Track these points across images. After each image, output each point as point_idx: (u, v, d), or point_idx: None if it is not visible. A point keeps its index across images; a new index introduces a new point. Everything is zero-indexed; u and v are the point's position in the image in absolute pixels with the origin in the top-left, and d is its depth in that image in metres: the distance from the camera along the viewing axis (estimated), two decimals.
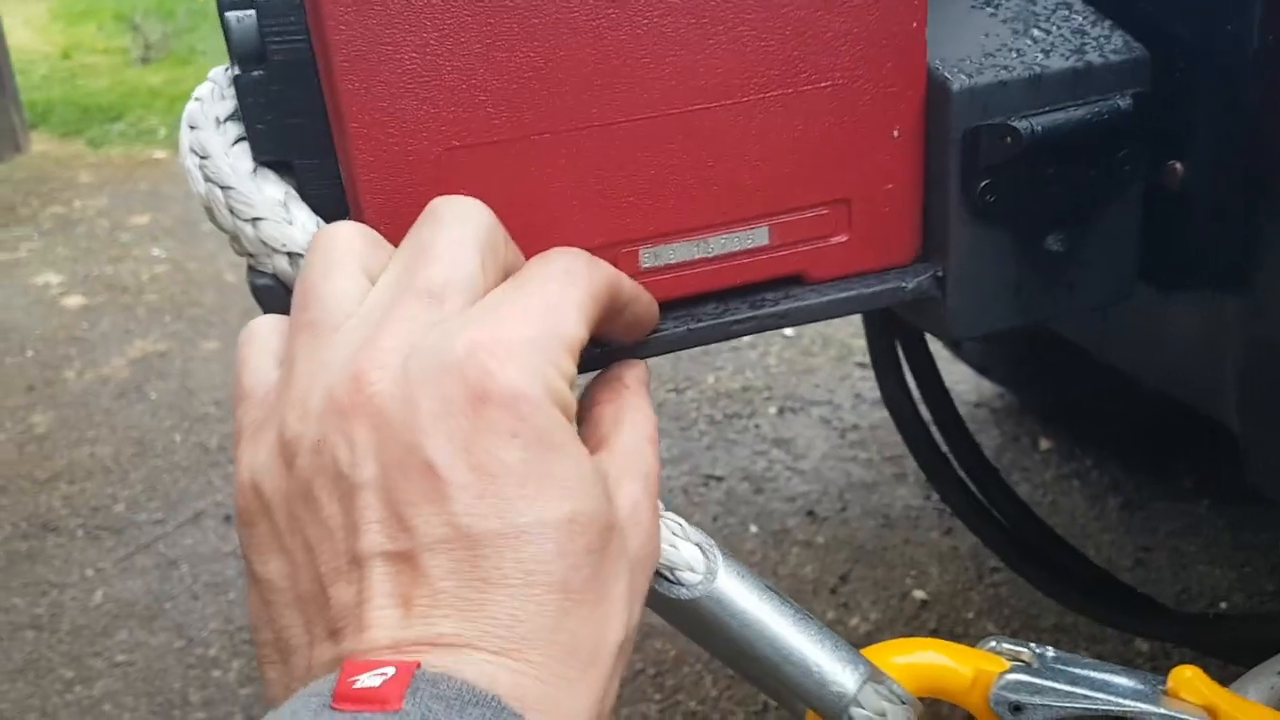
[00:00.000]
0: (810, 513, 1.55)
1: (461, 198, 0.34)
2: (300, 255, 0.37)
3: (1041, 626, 1.30)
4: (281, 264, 0.37)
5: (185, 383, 2.02)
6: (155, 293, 2.41)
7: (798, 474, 1.64)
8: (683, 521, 0.40)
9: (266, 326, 0.35)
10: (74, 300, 2.39)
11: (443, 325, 0.31)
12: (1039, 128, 0.42)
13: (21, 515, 1.68)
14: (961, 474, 0.86)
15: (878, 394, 1.83)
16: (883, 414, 1.78)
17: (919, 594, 1.37)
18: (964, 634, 1.30)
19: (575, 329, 0.32)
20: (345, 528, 0.29)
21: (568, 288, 0.33)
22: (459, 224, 0.33)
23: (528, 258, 0.36)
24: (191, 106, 0.39)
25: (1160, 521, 1.47)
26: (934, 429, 0.91)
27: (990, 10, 0.46)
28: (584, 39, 0.38)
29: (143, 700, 1.33)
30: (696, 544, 0.39)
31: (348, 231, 0.34)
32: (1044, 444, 1.63)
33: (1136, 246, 0.47)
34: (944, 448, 0.87)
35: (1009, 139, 0.42)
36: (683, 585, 0.38)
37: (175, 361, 2.10)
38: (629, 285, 0.38)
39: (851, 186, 0.43)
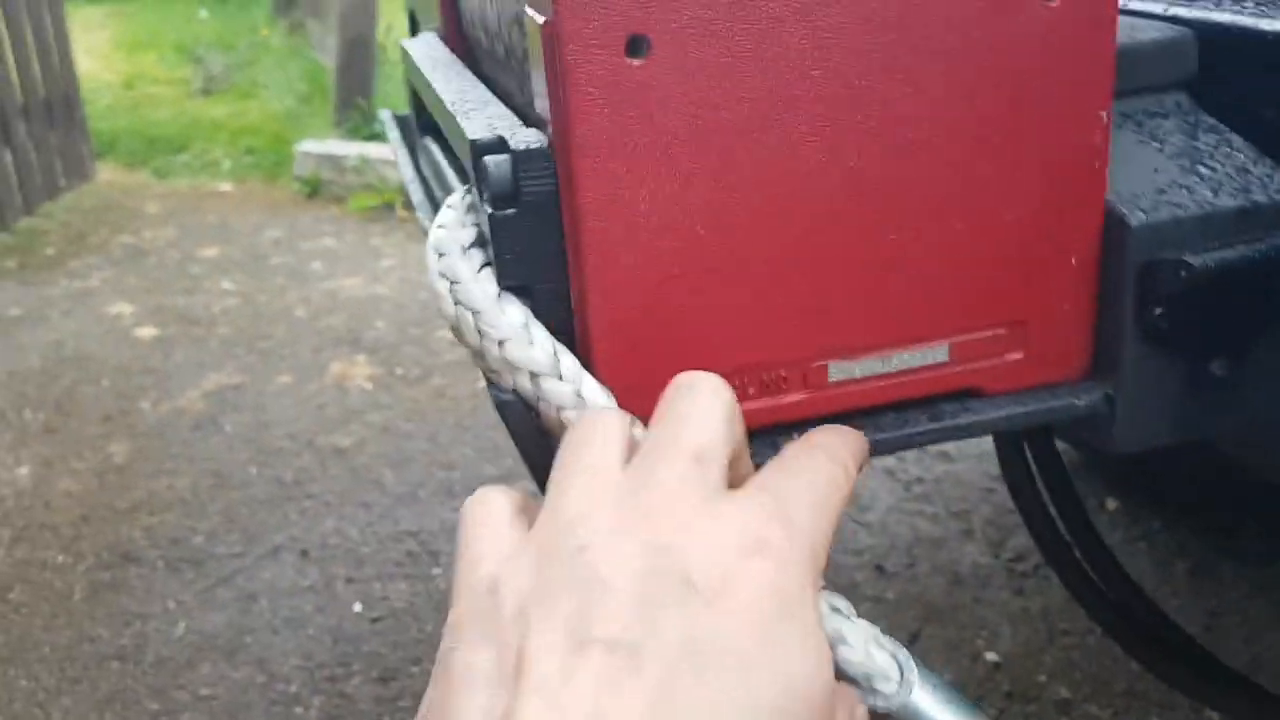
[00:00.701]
0: (879, 567, 1.56)
1: (706, 374, 0.38)
2: (541, 375, 0.40)
3: (1115, 690, 1.31)
4: (523, 382, 0.41)
5: (259, 416, 2.07)
6: (226, 325, 2.47)
7: (863, 527, 1.66)
8: (876, 629, 0.42)
9: (502, 493, 0.38)
10: (147, 331, 2.46)
11: (716, 486, 0.34)
12: (1210, 263, 0.45)
13: (104, 545, 1.72)
14: (1082, 561, 0.88)
15: (940, 446, 1.86)
16: (946, 467, 1.81)
17: (991, 655, 1.39)
18: (1037, 697, 1.31)
19: (826, 537, 0.36)
20: (580, 614, 0.30)
21: (834, 494, 0.37)
22: (706, 398, 0.37)
23: (731, 368, 0.39)
24: (437, 233, 0.43)
25: (1229, 587, 1.48)
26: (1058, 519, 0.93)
27: (1156, 145, 0.49)
28: (792, 187, 0.42)
29: None
30: (890, 652, 0.41)
31: (617, 417, 0.38)
32: (1110, 504, 1.64)
33: None
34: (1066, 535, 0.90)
35: (1183, 273, 0.45)
36: (879, 694, 0.40)
37: (249, 395, 2.15)
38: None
39: (1029, 309, 0.46)
